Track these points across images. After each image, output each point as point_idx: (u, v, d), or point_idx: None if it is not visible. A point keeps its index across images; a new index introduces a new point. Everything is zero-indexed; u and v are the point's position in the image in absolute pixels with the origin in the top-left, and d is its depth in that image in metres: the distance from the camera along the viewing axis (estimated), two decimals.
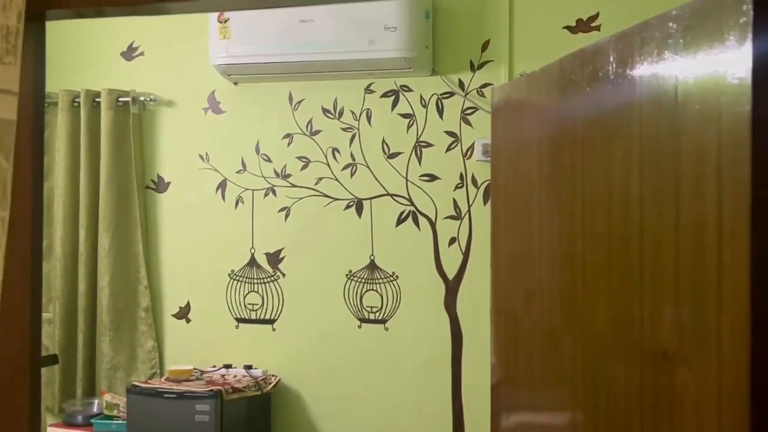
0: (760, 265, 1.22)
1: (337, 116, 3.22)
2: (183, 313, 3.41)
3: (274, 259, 3.29)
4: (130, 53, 3.46)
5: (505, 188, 2.14)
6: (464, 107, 3.11)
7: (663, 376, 1.48)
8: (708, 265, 1.33)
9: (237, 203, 3.32)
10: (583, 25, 2.97)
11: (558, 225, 1.86)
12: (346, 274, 3.22)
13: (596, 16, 2.96)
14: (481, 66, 3.09)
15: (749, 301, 1.23)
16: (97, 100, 3.39)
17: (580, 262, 1.78)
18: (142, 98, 3.39)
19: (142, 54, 3.45)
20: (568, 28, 2.99)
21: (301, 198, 3.25)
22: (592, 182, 1.70)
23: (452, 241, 3.13)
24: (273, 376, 3.22)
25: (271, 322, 3.31)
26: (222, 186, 3.34)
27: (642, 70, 1.52)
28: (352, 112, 3.21)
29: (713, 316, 1.32)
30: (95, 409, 3.29)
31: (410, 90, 3.16)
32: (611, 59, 1.62)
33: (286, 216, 3.27)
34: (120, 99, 3.36)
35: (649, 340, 1.51)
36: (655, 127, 1.49)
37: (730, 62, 1.27)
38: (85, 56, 3.49)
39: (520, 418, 2.10)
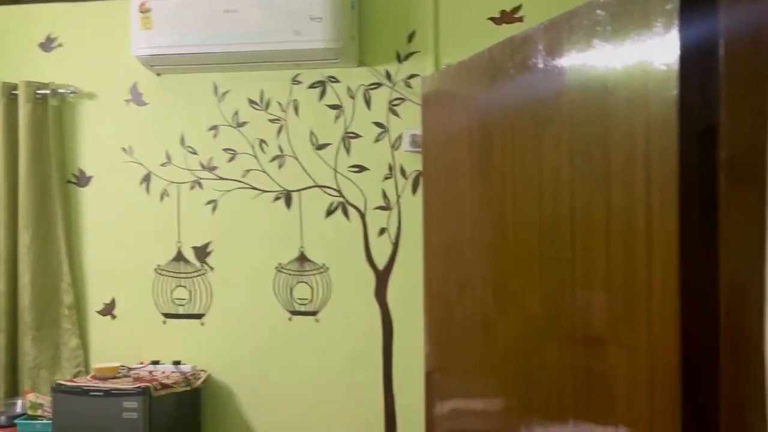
0: (688, 247, 1.24)
1: (263, 107, 3.17)
2: (108, 310, 3.31)
3: (202, 252, 3.23)
4: (48, 44, 3.33)
5: (437, 177, 2.14)
6: (391, 98, 3.10)
7: (596, 360, 1.49)
8: (638, 248, 1.34)
9: (162, 197, 3.24)
10: (507, 17, 2.99)
11: (490, 212, 1.86)
12: (276, 267, 3.18)
13: (519, 7, 2.99)
14: (407, 57, 3.08)
15: (678, 282, 1.25)
16: (14, 92, 3.25)
17: (512, 249, 1.79)
18: (61, 90, 3.27)
19: (60, 45, 3.33)
20: (492, 19, 3.01)
21: (228, 191, 3.19)
22: (523, 170, 1.70)
23: (382, 231, 3.12)
24: (202, 371, 3.16)
25: (199, 316, 3.24)
26: (146, 179, 3.25)
27: (571, 57, 1.52)
28: (279, 104, 3.16)
29: (644, 299, 1.33)
30: (18, 410, 3.17)
31: (337, 81, 3.13)
32: (540, 47, 1.62)
33: (213, 209, 3.21)
34: (38, 91, 3.24)
35: (581, 324, 1.52)
36: (585, 114, 1.49)
37: (657, 48, 1.28)
38: (1, 48, 3.35)
39: (454, 405, 2.10)
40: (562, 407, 1.60)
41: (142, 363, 3.18)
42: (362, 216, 3.12)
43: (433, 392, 2.21)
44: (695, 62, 1.24)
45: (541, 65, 1.62)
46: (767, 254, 1.06)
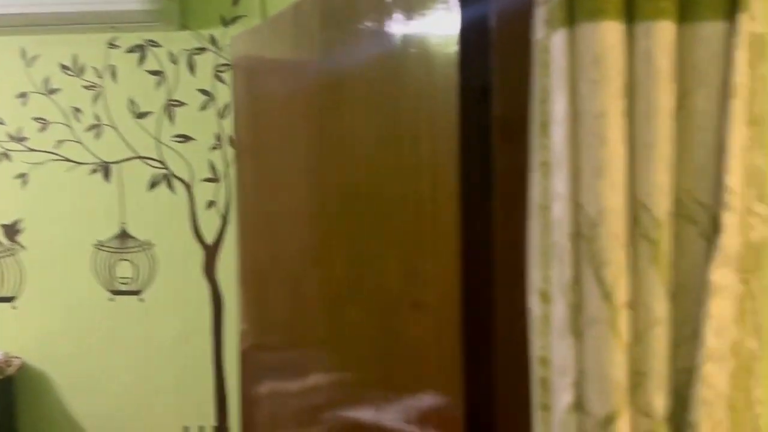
0: (468, 204, 1.30)
1: (77, 73, 3.06)
2: None
3: (11, 230, 3.09)
4: None
5: (249, 145, 2.13)
6: (217, 64, 3.06)
7: (394, 322, 1.54)
8: (425, 207, 1.39)
9: None
10: None
11: (298, 178, 1.88)
12: (95, 245, 3.09)
13: None
14: (233, 21, 3.04)
15: (459, 240, 1.30)
16: None
17: (320, 215, 1.81)
18: None
19: None
20: None
21: (40, 163, 3.07)
22: (326, 132, 1.73)
23: (210, 204, 3.08)
24: (15, 357, 3.04)
25: (10, 299, 3.11)
26: None
27: (367, 12, 1.55)
28: (95, 69, 3.06)
29: (430, 258, 1.39)
30: None
31: (158, 45, 3.05)
32: (339, 1, 1.64)
33: (24, 183, 3.08)
34: None
35: (381, 287, 1.57)
36: (381, 73, 1.53)
37: (441, 7, 1.33)
38: None
39: (272, 383, 2.12)
40: (370, 371, 1.64)
41: None
42: (188, 188, 3.08)
43: (249, 372, 2.22)
44: (474, 22, 1.29)
45: (339, 21, 1.65)
46: (529, 208, 1.12)
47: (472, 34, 1.29)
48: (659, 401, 1.03)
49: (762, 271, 1.07)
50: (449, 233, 1.33)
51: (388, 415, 1.55)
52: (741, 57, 1.00)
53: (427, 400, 1.43)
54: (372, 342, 1.61)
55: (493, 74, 1.25)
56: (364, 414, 1.63)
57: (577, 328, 1.05)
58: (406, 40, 1.44)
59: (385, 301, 1.55)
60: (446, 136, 1.32)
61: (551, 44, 1.06)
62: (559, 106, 1.05)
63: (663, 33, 1.01)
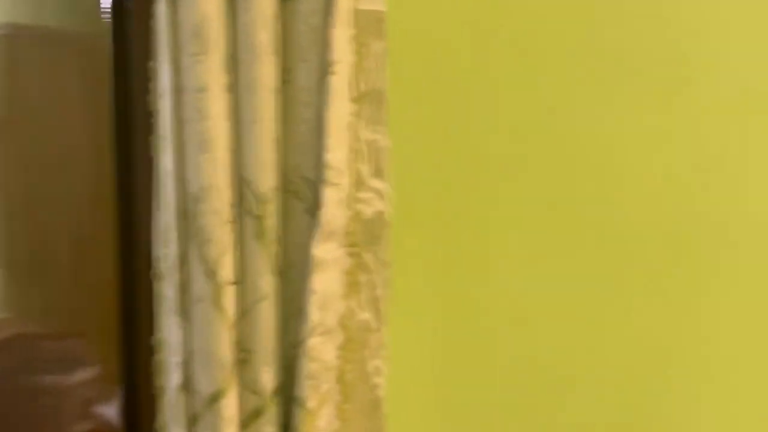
0: (121, 183, 1.28)
1: None
2: None
3: None
4: None
5: None
6: None
7: (75, 310, 1.51)
8: (87, 185, 1.38)
9: None
10: None
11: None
12: None
13: None
14: None
15: (117, 220, 1.29)
16: None
17: (24, 198, 1.75)
18: None
19: None
20: None
21: None
22: (17, 107, 1.66)
23: None
24: None
25: None
26: None
27: None
28: None
29: (92, 241, 1.37)
30: None
31: None
32: None
33: None
34: None
35: (57, 273, 1.53)
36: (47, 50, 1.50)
37: None
38: None
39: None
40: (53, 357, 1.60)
41: None
42: None
43: None
44: None
45: None
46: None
47: (122, 8, 1.28)
48: (267, 377, 1.05)
49: (380, 245, 1.11)
50: (107, 213, 1.31)
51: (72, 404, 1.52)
52: (338, 34, 1.03)
53: (91, 380, 1.42)
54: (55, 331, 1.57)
55: (132, 49, 1.24)
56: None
57: (185, 307, 1.05)
58: (69, 14, 1.41)
59: (59, 284, 1.52)
60: (101, 116, 1.31)
61: (157, 14, 1.06)
62: (163, 80, 1.05)
63: (263, 7, 1.02)
